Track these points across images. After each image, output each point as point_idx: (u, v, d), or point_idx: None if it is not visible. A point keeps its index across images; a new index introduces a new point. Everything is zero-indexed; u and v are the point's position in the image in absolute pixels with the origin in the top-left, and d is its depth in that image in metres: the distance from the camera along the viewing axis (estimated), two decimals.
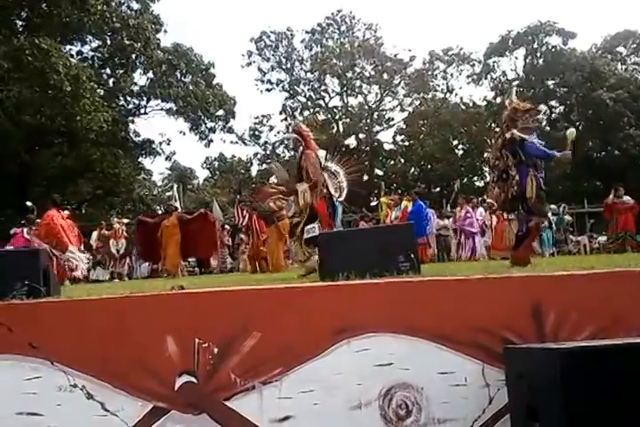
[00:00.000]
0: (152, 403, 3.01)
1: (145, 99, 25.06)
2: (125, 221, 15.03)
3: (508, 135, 4.96)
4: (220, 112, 25.63)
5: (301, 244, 5.89)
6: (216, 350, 3.03)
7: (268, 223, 9.64)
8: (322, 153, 6.68)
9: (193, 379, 3.03)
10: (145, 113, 25.56)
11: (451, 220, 12.83)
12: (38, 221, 9.70)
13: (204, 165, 36.20)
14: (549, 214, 12.49)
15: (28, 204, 11.05)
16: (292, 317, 3.10)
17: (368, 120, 32.99)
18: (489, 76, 31.77)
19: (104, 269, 14.05)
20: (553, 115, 30.58)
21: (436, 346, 3.09)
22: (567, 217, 15.79)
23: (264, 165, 31.01)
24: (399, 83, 32.84)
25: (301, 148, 6.25)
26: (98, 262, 14.36)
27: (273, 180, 6.88)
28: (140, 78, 24.82)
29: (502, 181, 5.05)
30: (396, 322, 3.10)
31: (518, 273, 3.54)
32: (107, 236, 14.10)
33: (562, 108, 30.66)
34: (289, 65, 32.97)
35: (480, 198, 12.94)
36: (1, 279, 3.31)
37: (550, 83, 30.02)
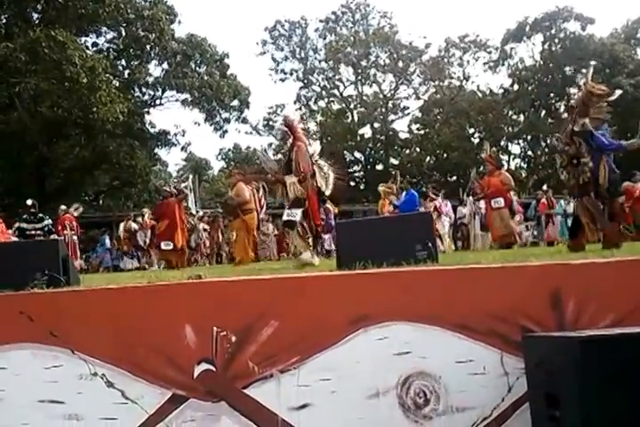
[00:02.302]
0: (171, 391, 3.05)
1: (160, 90, 25.14)
2: None
3: (578, 127, 4.92)
4: (235, 102, 25.64)
5: (301, 236, 5.87)
6: (234, 338, 3.05)
7: (233, 216, 9.11)
8: (315, 147, 6.62)
9: (211, 367, 3.05)
10: (160, 104, 25.69)
11: (467, 208, 12.74)
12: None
13: (219, 156, 36.36)
14: (567, 203, 12.34)
15: (29, 202, 11.00)
16: (310, 305, 3.10)
17: (383, 109, 32.73)
18: (506, 63, 31.31)
19: (131, 259, 14.30)
20: (571, 101, 30.02)
21: (453, 335, 3.07)
22: None
23: (279, 155, 30.99)
24: (414, 71, 32.51)
25: (291, 140, 6.20)
26: (125, 253, 14.63)
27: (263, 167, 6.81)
28: (155, 69, 24.97)
29: (572, 166, 5.00)
30: (414, 311, 3.09)
31: (537, 261, 3.50)
32: (134, 228, 14.29)
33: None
34: (303, 54, 32.79)
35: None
36: (21, 269, 3.36)
37: (568, 69, 29.49)
